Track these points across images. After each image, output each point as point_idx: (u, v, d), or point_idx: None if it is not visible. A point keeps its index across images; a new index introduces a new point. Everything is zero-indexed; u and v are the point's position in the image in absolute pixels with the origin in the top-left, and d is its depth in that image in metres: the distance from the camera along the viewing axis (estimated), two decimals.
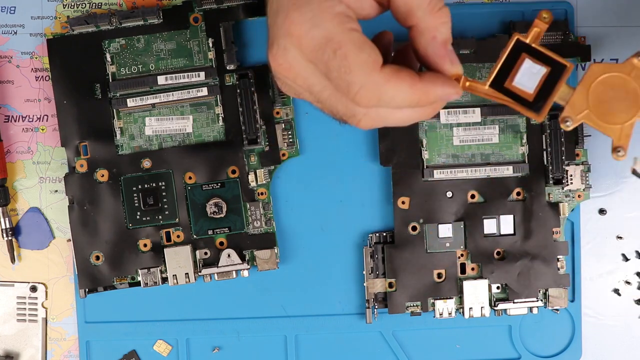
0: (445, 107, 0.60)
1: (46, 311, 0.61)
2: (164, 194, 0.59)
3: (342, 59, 0.40)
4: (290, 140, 0.60)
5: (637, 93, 0.43)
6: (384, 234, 0.61)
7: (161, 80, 0.59)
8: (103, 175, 0.59)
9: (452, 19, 0.60)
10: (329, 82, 0.42)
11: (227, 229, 0.60)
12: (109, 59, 0.59)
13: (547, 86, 0.43)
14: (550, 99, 0.43)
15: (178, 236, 0.60)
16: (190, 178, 0.59)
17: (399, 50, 0.45)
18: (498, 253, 0.61)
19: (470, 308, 0.60)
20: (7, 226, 0.60)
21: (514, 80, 0.43)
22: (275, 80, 0.45)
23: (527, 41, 0.43)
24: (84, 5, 0.60)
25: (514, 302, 0.60)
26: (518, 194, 0.60)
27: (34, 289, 0.61)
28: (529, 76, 0.43)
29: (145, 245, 0.59)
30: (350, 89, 0.41)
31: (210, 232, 0.60)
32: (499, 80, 0.43)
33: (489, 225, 0.60)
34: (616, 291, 0.63)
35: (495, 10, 0.61)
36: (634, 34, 0.61)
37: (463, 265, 0.61)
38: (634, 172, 0.46)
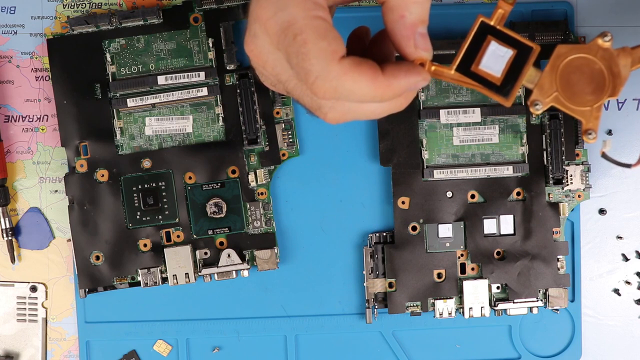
0: (445, 107, 0.60)
1: (46, 311, 0.61)
2: (164, 194, 0.59)
3: (301, 45, 0.39)
4: (290, 140, 0.60)
5: (603, 74, 0.43)
6: (384, 234, 0.61)
7: (161, 80, 0.59)
8: (103, 175, 0.59)
9: (452, 19, 0.60)
10: (293, 70, 0.40)
11: (227, 229, 0.60)
12: (109, 59, 0.59)
13: (514, 69, 0.42)
14: (518, 82, 0.42)
15: (178, 236, 0.60)
16: (190, 178, 0.59)
17: (376, 36, 0.44)
18: (498, 253, 0.61)
19: (470, 308, 0.60)
20: (7, 226, 0.60)
21: (480, 64, 0.42)
22: (255, 71, 0.44)
23: (492, 23, 0.42)
24: (84, 5, 0.60)
25: (514, 302, 0.60)
26: (518, 194, 0.60)
27: (34, 289, 0.61)
28: (495, 59, 0.42)
29: (145, 245, 0.59)
30: (307, 78, 0.39)
31: (210, 232, 0.60)
32: (465, 64, 0.42)
33: (489, 225, 0.60)
34: (616, 291, 0.63)
35: None
36: (634, 34, 0.61)
37: (463, 265, 0.61)
38: (604, 155, 0.45)
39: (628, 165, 0.46)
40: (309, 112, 0.43)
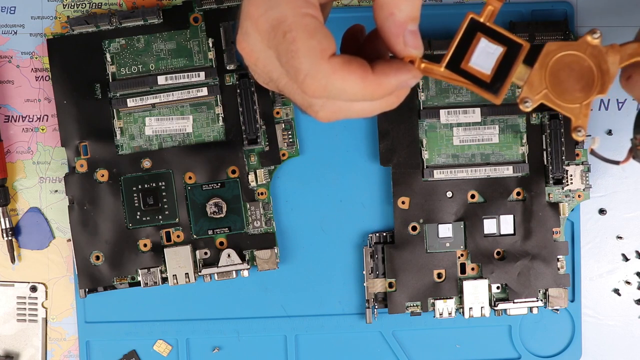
0: (445, 107, 0.60)
1: (46, 311, 0.61)
2: (164, 194, 0.59)
3: (290, 43, 0.39)
4: (290, 140, 0.60)
5: (592, 72, 0.43)
6: (384, 234, 0.61)
7: (161, 80, 0.59)
8: (103, 175, 0.59)
9: (452, 19, 0.60)
10: (284, 69, 0.40)
11: (227, 229, 0.60)
12: (109, 59, 0.59)
13: (504, 66, 0.42)
14: (507, 80, 0.42)
15: (178, 236, 0.60)
16: (190, 178, 0.59)
17: (371, 33, 0.44)
18: (498, 253, 0.61)
19: (470, 308, 0.60)
20: (7, 226, 0.60)
21: (470, 61, 0.42)
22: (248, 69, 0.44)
23: (482, 20, 0.42)
24: (84, 5, 0.60)
25: (514, 302, 0.60)
26: (518, 194, 0.60)
27: (34, 289, 0.61)
28: (485, 56, 0.42)
29: (145, 245, 0.59)
30: (297, 76, 0.39)
31: (210, 232, 0.60)
32: (455, 61, 0.42)
33: (489, 225, 0.60)
34: (616, 291, 0.63)
35: None
36: (634, 34, 0.61)
37: (463, 265, 0.61)
38: (592, 152, 0.45)
39: (617, 162, 0.46)
40: (302, 110, 0.43)
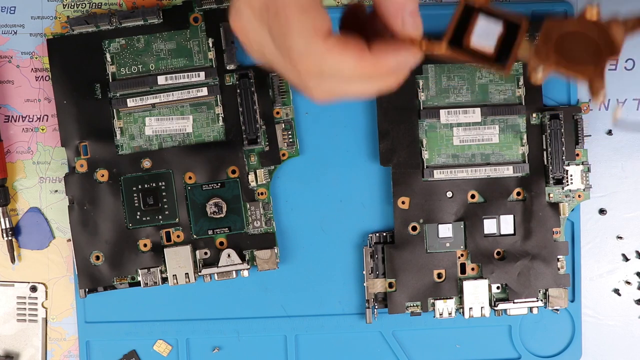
0: (445, 107, 0.60)
1: (46, 311, 0.61)
2: (164, 194, 0.59)
3: (284, 21, 0.38)
4: (290, 140, 0.60)
5: (597, 44, 0.41)
6: (384, 234, 0.61)
7: (161, 80, 0.59)
8: (103, 175, 0.59)
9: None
10: (277, 47, 0.39)
11: (227, 229, 0.60)
12: (109, 59, 0.59)
13: (506, 43, 0.40)
14: (514, 51, 0.40)
15: (178, 236, 0.60)
16: (190, 178, 0.59)
17: (371, 14, 0.42)
18: (498, 253, 0.61)
19: (470, 308, 0.60)
20: (7, 226, 0.60)
21: (471, 42, 0.40)
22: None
23: (476, 6, 0.40)
24: (84, 5, 0.60)
25: (514, 302, 0.60)
26: (518, 194, 0.60)
27: (34, 289, 0.61)
28: (486, 35, 0.40)
29: (145, 245, 0.59)
30: (290, 55, 0.38)
31: (210, 232, 0.60)
32: (457, 40, 0.40)
33: (489, 225, 0.60)
34: (616, 291, 0.63)
35: None
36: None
37: (463, 265, 0.61)
38: (617, 122, 0.43)
39: None
40: (297, 90, 0.42)
